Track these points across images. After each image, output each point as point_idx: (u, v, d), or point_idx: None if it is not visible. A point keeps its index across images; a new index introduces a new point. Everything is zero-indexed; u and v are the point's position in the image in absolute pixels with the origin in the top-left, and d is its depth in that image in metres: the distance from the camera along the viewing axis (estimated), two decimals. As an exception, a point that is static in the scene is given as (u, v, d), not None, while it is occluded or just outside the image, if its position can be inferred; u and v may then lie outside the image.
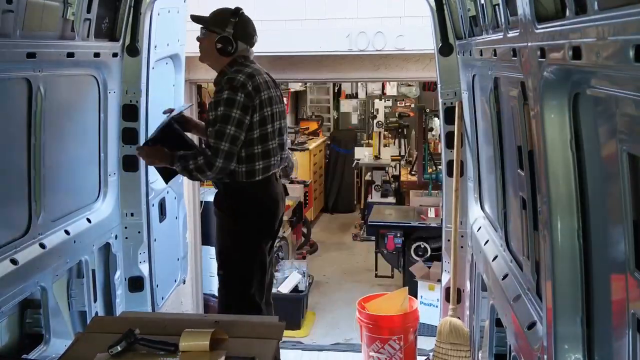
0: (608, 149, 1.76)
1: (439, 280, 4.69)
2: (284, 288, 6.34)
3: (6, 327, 3.40)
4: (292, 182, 8.97)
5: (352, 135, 11.71)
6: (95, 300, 3.96)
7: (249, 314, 3.44)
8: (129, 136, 4.21)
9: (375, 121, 9.86)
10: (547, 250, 2.06)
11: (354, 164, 10.20)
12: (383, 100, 10.07)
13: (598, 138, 1.84)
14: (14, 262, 3.07)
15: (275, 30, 5.70)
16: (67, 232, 3.62)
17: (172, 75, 4.90)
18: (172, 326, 2.70)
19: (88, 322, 3.59)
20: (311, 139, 11.33)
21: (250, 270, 3.68)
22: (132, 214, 4.31)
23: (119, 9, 3.89)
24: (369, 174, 9.62)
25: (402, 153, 9.74)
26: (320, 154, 11.45)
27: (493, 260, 3.21)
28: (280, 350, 2.74)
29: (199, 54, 3.77)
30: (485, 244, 3.49)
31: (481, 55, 3.13)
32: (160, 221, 4.67)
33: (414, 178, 8.50)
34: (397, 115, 9.73)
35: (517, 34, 2.21)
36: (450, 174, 4.15)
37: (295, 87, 11.93)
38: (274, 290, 6.26)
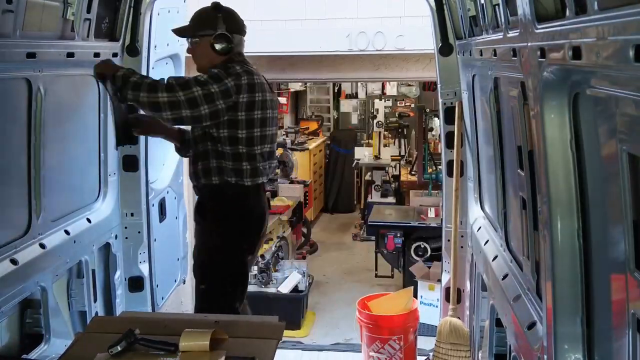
0: (608, 149, 1.76)
1: (439, 280, 4.69)
2: (284, 288, 6.33)
3: (6, 327, 3.39)
4: (292, 182, 8.99)
5: (352, 135, 11.71)
6: (95, 300, 3.95)
7: None
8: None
9: (375, 121, 9.88)
10: (547, 250, 2.06)
11: (354, 164, 10.20)
12: (383, 100, 10.09)
13: (598, 138, 1.83)
14: (14, 262, 3.07)
15: (275, 30, 5.71)
16: (67, 232, 3.62)
17: (172, 75, 4.89)
18: (172, 326, 2.70)
19: (88, 322, 3.59)
20: (311, 138, 11.33)
21: (233, 283, 3.56)
22: (132, 214, 4.31)
23: (119, 9, 3.89)
24: (369, 174, 9.62)
25: (402, 153, 9.74)
26: (320, 154, 11.45)
27: (493, 260, 3.21)
28: (280, 350, 2.74)
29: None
30: (485, 244, 3.48)
31: (481, 55, 3.13)
32: (160, 221, 4.67)
33: (414, 178, 8.50)
34: (397, 115, 9.75)
35: (517, 34, 2.21)
36: (450, 174, 4.15)
37: (295, 87, 11.95)
38: (274, 290, 6.33)
